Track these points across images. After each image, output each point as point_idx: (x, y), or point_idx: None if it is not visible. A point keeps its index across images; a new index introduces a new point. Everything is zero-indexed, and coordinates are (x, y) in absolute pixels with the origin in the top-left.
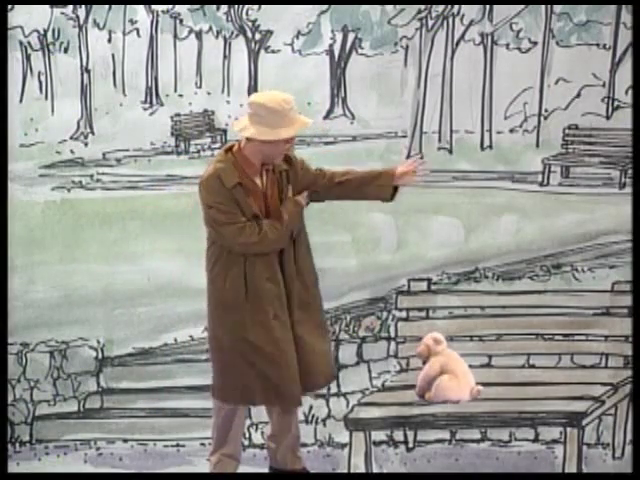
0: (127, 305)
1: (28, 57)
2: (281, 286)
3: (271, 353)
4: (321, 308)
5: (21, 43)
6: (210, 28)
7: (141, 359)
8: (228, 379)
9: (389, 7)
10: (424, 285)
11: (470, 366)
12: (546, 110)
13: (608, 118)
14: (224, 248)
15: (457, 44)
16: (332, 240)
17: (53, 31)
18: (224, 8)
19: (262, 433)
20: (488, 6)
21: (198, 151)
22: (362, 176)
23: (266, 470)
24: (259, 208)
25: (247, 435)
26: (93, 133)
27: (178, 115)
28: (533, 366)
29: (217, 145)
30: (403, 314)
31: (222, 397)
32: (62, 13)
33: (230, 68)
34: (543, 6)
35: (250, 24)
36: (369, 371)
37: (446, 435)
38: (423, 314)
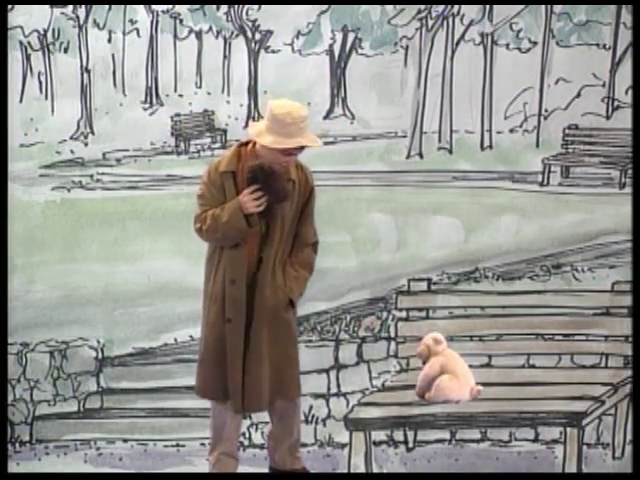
0: (127, 305)
1: (28, 57)
2: (243, 291)
3: (221, 353)
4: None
5: (21, 43)
6: (210, 28)
7: (141, 359)
8: (198, 372)
9: (389, 7)
10: (424, 285)
11: (470, 366)
12: (546, 110)
13: (608, 118)
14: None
15: (457, 44)
16: (332, 240)
17: (53, 31)
18: (224, 8)
19: (262, 433)
20: (488, 6)
21: (198, 151)
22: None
23: (266, 470)
24: None
25: (247, 435)
26: (93, 133)
27: (178, 115)
28: (533, 366)
29: (217, 145)
30: (403, 314)
31: (195, 389)
32: (62, 13)
33: (230, 68)
34: (543, 6)
35: (250, 24)
36: (369, 371)
37: (446, 435)
38: (423, 314)
